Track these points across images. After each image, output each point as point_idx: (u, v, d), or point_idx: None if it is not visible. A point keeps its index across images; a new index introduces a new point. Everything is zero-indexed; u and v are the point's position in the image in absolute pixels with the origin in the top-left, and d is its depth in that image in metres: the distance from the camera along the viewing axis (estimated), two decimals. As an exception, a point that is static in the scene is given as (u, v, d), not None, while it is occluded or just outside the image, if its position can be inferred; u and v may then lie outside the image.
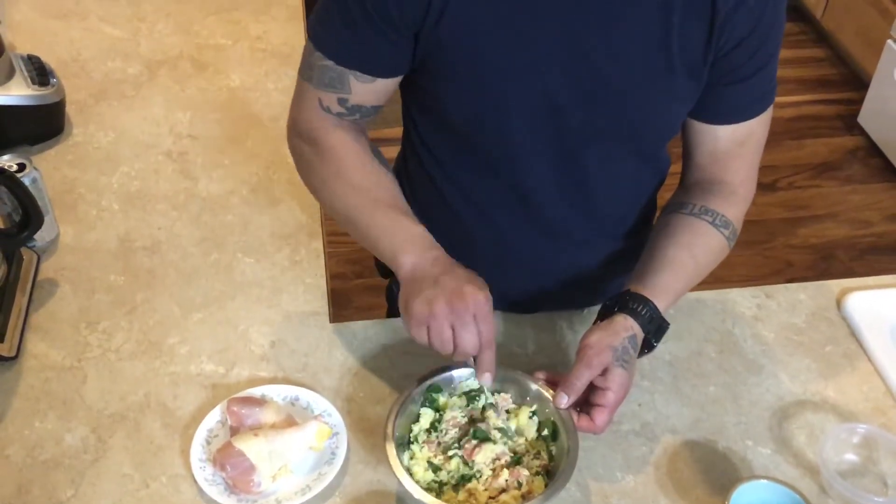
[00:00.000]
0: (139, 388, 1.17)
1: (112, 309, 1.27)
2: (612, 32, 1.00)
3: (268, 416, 1.09)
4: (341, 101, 1.09)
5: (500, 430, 1.04)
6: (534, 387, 1.08)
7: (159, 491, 1.05)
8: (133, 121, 1.64)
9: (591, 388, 1.04)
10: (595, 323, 1.09)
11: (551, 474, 1.02)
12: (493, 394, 1.09)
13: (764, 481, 0.99)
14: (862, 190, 3.20)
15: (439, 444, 1.05)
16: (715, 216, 1.14)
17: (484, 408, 1.07)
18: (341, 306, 2.38)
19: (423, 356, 1.01)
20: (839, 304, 1.32)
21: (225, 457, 1.03)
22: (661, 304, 1.07)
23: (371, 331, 1.25)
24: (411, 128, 1.21)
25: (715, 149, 1.15)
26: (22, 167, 1.31)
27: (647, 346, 1.10)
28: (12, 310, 1.22)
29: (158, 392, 1.16)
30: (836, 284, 1.35)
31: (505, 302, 1.30)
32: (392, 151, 1.34)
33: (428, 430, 1.06)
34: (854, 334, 1.27)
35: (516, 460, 1.03)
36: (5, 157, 1.33)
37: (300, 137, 1.13)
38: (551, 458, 1.04)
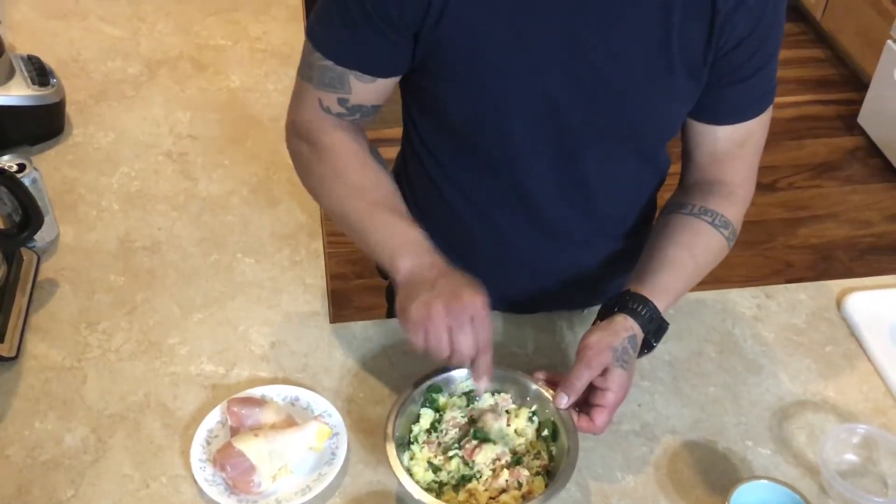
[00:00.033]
0: (139, 388, 1.17)
1: (112, 309, 1.27)
2: (612, 32, 1.00)
3: (268, 416, 1.09)
4: (341, 102, 1.09)
5: (497, 432, 1.04)
6: (534, 387, 1.08)
7: (159, 491, 1.05)
8: (133, 121, 1.65)
9: (591, 389, 1.04)
10: (595, 323, 1.09)
11: (551, 474, 1.02)
12: (492, 394, 1.10)
13: (764, 481, 0.99)
14: (862, 190, 3.20)
15: (439, 444, 1.05)
16: (714, 216, 1.14)
17: (479, 411, 1.07)
18: (341, 307, 2.38)
19: (423, 357, 1.01)
20: (839, 304, 1.32)
21: (225, 457, 1.03)
22: (660, 305, 1.07)
23: (371, 331, 1.25)
24: (411, 128, 1.21)
25: (714, 149, 1.15)
26: (22, 167, 1.32)
27: (647, 347, 1.10)
28: (12, 310, 1.22)
29: (158, 392, 1.16)
30: (835, 285, 1.35)
31: (505, 302, 1.30)
32: (392, 152, 1.34)
33: (428, 431, 1.06)
34: (854, 334, 1.27)
35: (516, 460, 1.03)
36: (5, 158, 1.33)
37: (299, 137, 1.13)
38: (551, 459, 1.04)
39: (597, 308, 1.12)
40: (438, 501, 0.96)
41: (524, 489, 1.00)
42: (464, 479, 1.01)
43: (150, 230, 1.41)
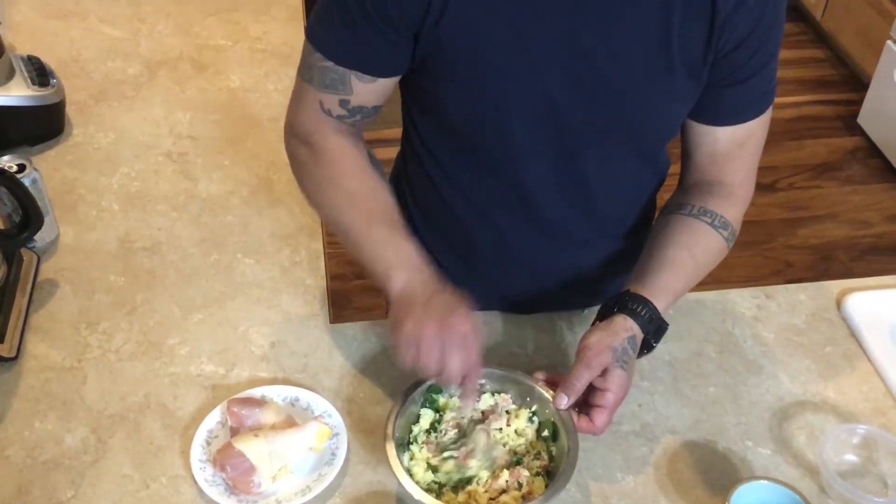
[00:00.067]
0: (139, 388, 1.17)
1: (112, 310, 1.27)
2: (612, 32, 1.00)
3: (268, 416, 1.09)
4: (342, 103, 1.09)
5: (484, 451, 1.03)
6: (534, 387, 1.08)
7: (159, 492, 1.05)
8: (133, 121, 1.65)
9: (591, 389, 1.04)
10: (594, 323, 1.09)
11: (551, 475, 1.02)
12: (492, 394, 1.10)
13: (764, 482, 0.99)
14: (862, 190, 3.20)
15: (437, 444, 1.05)
16: (714, 217, 1.14)
17: (472, 421, 1.06)
18: (341, 307, 2.38)
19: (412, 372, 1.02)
20: (839, 304, 1.32)
21: (225, 457, 1.03)
22: (660, 305, 1.07)
23: (371, 331, 1.25)
24: (411, 128, 1.21)
25: (714, 150, 1.15)
26: (22, 168, 1.32)
27: (647, 347, 1.10)
28: (12, 310, 1.22)
29: (158, 393, 1.16)
30: (835, 285, 1.35)
31: (505, 302, 1.30)
32: (391, 152, 1.34)
33: (427, 431, 1.06)
34: (854, 335, 1.27)
35: (516, 461, 1.03)
36: (5, 158, 1.33)
37: (297, 139, 1.13)
38: (551, 459, 1.04)
39: (596, 308, 1.12)
40: (438, 502, 0.96)
41: (524, 489, 1.00)
42: (462, 482, 1.01)
43: (150, 230, 1.41)
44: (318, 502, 1.04)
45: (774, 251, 2.95)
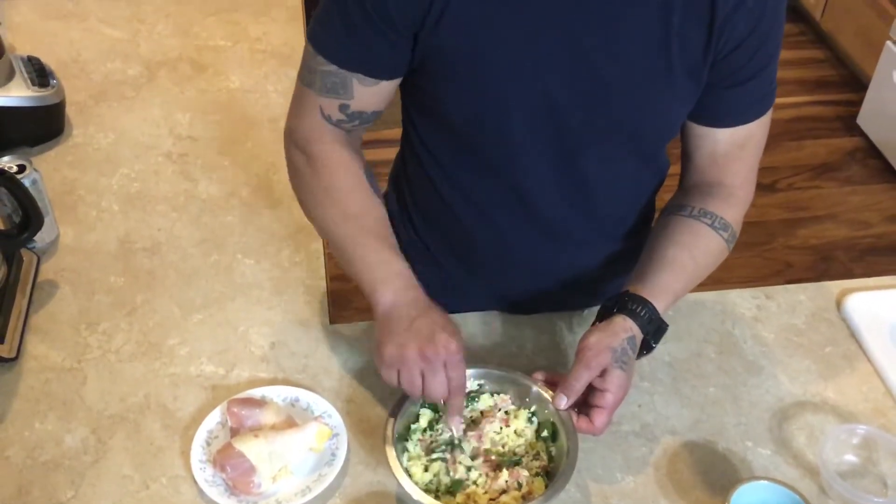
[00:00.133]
0: (139, 389, 1.17)
1: (112, 310, 1.27)
2: (612, 33, 1.00)
3: (268, 417, 1.09)
4: (342, 108, 1.09)
5: (468, 468, 1.03)
6: (533, 388, 1.08)
7: (159, 492, 1.05)
8: (133, 122, 1.65)
9: (590, 390, 1.04)
10: (594, 324, 1.09)
11: (551, 475, 1.02)
12: (492, 394, 1.10)
13: (764, 482, 0.99)
14: (861, 191, 3.20)
15: (430, 444, 1.05)
16: (714, 218, 1.14)
17: (453, 445, 1.05)
18: (341, 307, 2.38)
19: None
20: (839, 305, 1.32)
21: (225, 458, 1.03)
22: (659, 306, 1.07)
23: (370, 332, 1.25)
24: (411, 129, 1.21)
25: (714, 151, 1.15)
26: (22, 168, 1.32)
27: (646, 347, 1.10)
28: (12, 311, 1.22)
29: (158, 393, 1.16)
30: (835, 285, 1.35)
31: (505, 302, 1.30)
32: (391, 152, 1.34)
33: (425, 430, 1.06)
34: (854, 335, 1.27)
35: (516, 461, 1.03)
36: (5, 159, 1.33)
37: (295, 145, 1.13)
38: (551, 459, 1.04)
39: (596, 309, 1.12)
40: (437, 502, 0.96)
41: (524, 490, 1.00)
42: (456, 484, 1.01)
43: (150, 231, 1.41)
44: (318, 503, 1.04)
45: (774, 252, 2.95)
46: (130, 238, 1.40)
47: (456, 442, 1.05)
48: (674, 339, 1.24)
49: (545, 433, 1.06)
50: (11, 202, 1.26)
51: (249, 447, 1.03)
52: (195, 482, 1.04)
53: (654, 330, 1.08)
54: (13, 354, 1.18)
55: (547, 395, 1.06)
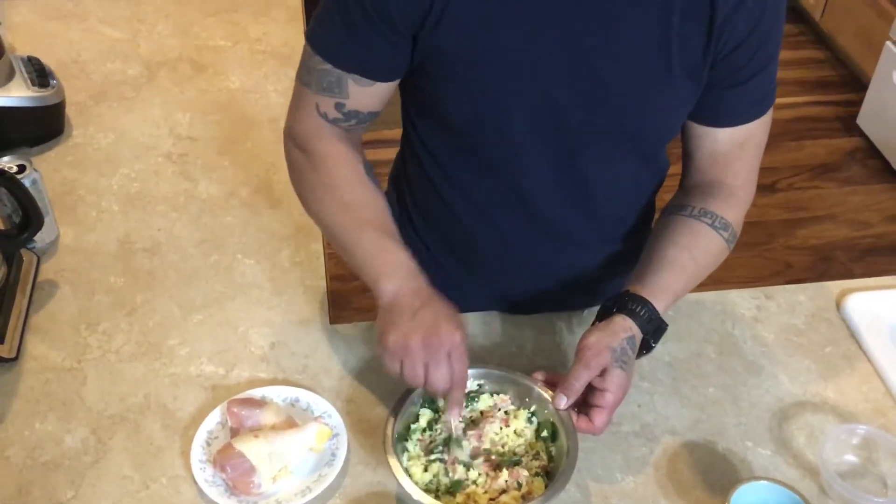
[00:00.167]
0: (139, 389, 1.17)
1: (112, 310, 1.27)
2: (612, 32, 1.00)
3: (268, 417, 1.09)
4: (338, 107, 1.09)
5: (465, 464, 1.03)
6: (533, 388, 1.08)
7: (159, 492, 1.05)
8: (133, 122, 1.65)
9: (590, 389, 1.04)
10: (594, 323, 1.09)
11: (551, 475, 1.02)
12: (491, 395, 1.10)
13: (764, 482, 0.99)
14: (861, 191, 3.20)
15: (429, 444, 1.05)
16: (714, 218, 1.14)
17: (450, 438, 1.05)
18: (341, 308, 2.38)
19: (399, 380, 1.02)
20: (839, 305, 1.32)
21: (225, 458, 1.03)
22: (659, 305, 1.07)
23: (370, 332, 1.25)
24: (410, 129, 1.21)
25: (714, 151, 1.15)
26: (22, 168, 1.32)
27: (646, 347, 1.10)
28: (12, 311, 1.22)
29: (158, 393, 1.16)
30: (835, 286, 1.35)
31: (504, 302, 1.30)
32: (391, 153, 1.34)
33: (424, 430, 1.06)
34: (853, 335, 1.27)
35: (516, 461, 1.03)
36: (5, 159, 1.33)
37: (294, 144, 1.13)
38: (551, 459, 1.04)
39: (596, 309, 1.12)
40: (437, 502, 0.96)
41: (524, 490, 1.00)
42: (455, 484, 1.01)
43: (150, 231, 1.41)
44: (318, 503, 1.04)
45: (774, 252, 2.95)
46: (130, 238, 1.40)
47: (455, 435, 1.04)
48: (674, 339, 1.24)
49: (545, 433, 1.06)
50: (11, 202, 1.26)
51: (249, 447, 1.03)
52: (195, 482, 1.04)
53: (653, 330, 1.08)
54: (13, 354, 1.18)
55: (546, 394, 1.06)
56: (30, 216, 1.26)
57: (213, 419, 1.11)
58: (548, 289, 1.29)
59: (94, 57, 1.82)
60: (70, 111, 1.64)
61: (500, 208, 1.19)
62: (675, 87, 1.05)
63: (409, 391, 1.06)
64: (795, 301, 1.33)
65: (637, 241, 1.23)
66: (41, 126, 1.57)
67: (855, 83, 3.68)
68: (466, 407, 1.08)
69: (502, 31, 0.99)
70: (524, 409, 1.08)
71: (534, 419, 1.07)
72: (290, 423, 1.09)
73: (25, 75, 1.56)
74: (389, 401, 1.12)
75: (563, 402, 1.03)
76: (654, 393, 1.18)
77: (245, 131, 1.64)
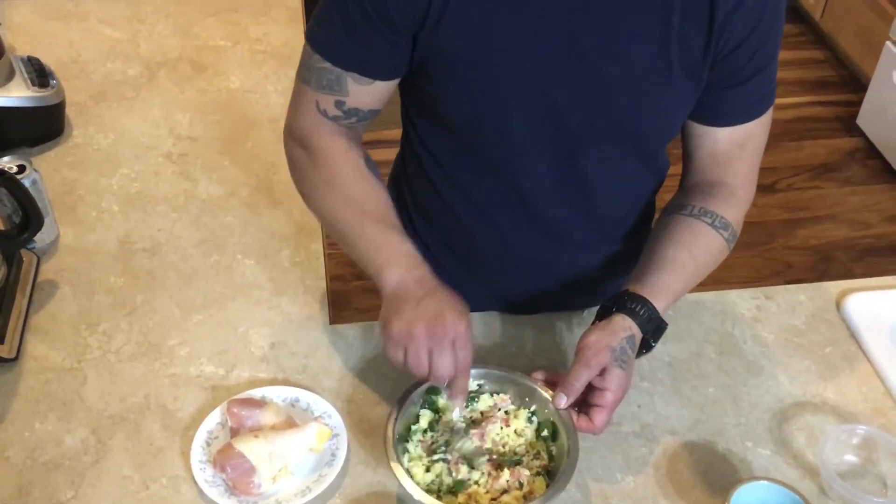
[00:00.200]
0: (139, 389, 1.17)
1: (112, 310, 1.27)
2: (612, 33, 1.00)
3: (268, 417, 1.09)
4: (338, 104, 1.09)
5: (470, 453, 1.03)
6: (532, 387, 1.08)
7: (159, 492, 1.05)
8: (133, 122, 1.65)
9: (590, 389, 1.04)
10: (593, 323, 1.09)
11: (552, 474, 1.02)
12: (491, 394, 1.10)
13: (764, 482, 0.99)
14: (861, 191, 3.20)
15: (431, 445, 1.05)
16: (714, 217, 1.14)
17: (453, 430, 1.06)
18: (341, 308, 2.38)
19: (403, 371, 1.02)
20: (839, 305, 1.32)
21: (225, 458, 1.03)
22: (659, 305, 1.07)
23: (370, 332, 1.25)
24: (410, 129, 1.21)
25: (714, 151, 1.15)
26: (22, 169, 1.32)
27: (646, 347, 1.10)
28: (12, 311, 1.22)
29: (158, 393, 1.16)
30: (835, 286, 1.35)
31: (504, 302, 1.30)
32: (391, 153, 1.34)
33: (425, 431, 1.06)
34: (853, 336, 1.27)
35: (517, 461, 1.03)
36: (5, 159, 1.33)
37: (295, 141, 1.13)
38: (551, 459, 1.04)
39: (596, 309, 1.12)
40: (438, 503, 0.96)
41: (525, 489, 1.00)
42: (458, 484, 1.01)
43: (149, 231, 1.41)
44: (318, 503, 1.04)
45: (774, 252, 2.95)
46: (130, 238, 1.40)
47: (458, 425, 1.04)
48: (674, 340, 1.24)
49: (545, 432, 1.06)
50: (11, 202, 1.26)
51: (249, 447, 1.03)
52: (195, 482, 1.04)
53: (653, 329, 1.08)
54: (13, 355, 1.18)
55: (546, 394, 1.06)
56: (30, 216, 1.26)
57: (213, 419, 1.11)
58: (548, 289, 1.29)
59: (94, 57, 1.82)
60: (70, 111, 1.64)
61: (500, 208, 1.19)
62: (675, 87, 1.05)
63: (409, 392, 1.06)
64: (795, 301, 1.33)
65: (637, 241, 1.23)
66: (41, 126, 1.57)
67: (855, 83, 3.68)
68: (466, 407, 1.08)
69: (502, 31, 0.99)
70: (524, 408, 1.08)
71: (534, 419, 1.07)
72: (290, 424, 1.09)
73: (25, 75, 1.56)
74: (389, 401, 1.12)
75: (563, 402, 1.03)
76: (654, 393, 1.18)
77: (245, 131, 1.64)
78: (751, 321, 1.29)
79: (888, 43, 3.17)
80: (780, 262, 2.92)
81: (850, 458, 1.10)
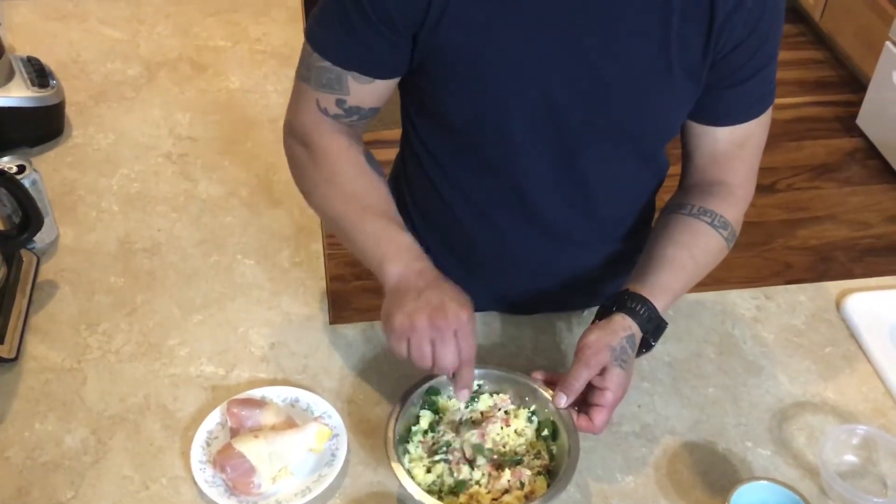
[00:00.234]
0: (139, 389, 1.17)
1: (112, 310, 1.27)
2: (612, 33, 1.00)
3: (268, 417, 1.09)
4: (339, 103, 1.09)
5: (477, 447, 1.03)
6: (533, 387, 1.08)
7: (159, 493, 1.05)
8: (133, 122, 1.65)
9: (590, 388, 1.04)
10: (593, 323, 1.09)
11: (552, 474, 1.02)
12: (491, 394, 1.10)
13: (764, 482, 0.99)
14: (861, 191, 3.20)
15: (432, 445, 1.05)
16: (714, 217, 1.14)
17: (461, 423, 1.06)
18: (341, 308, 2.38)
19: (407, 364, 1.02)
20: (838, 305, 1.32)
21: (225, 458, 1.03)
22: (659, 304, 1.08)
23: (370, 332, 1.25)
24: (410, 129, 1.21)
25: (714, 150, 1.15)
26: (22, 169, 1.32)
27: (646, 346, 1.10)
28: (12, 311, 1.22)
29: (158, 394, 1.16)
30: (835, 286, 1.35)
31: (504, 303, 1.30)
32: (391, 153, 1.34)
33: (425, 432, 1.06)
34: (853, 336, 1.27)
35: (517, 461, 1.03)
36: (5, 159, 1.33)
37: (295, 139, 1.13)
38: (552, 458, 1.04)
39: (596, 309, 1.12)
40: (439, 503, 0.96)
41: (526, 489, 1.00)
42: (459, 485, 1.01)
43: (149, 231, 1.41)
44: (318, 503, 1.04)
45: (774, 252, 2.95)
46: (130, 238, 1.40)
47: (465, 417, 1.04)
48: (674, 340, 1.24)
49: (545, 432, 1.06)
50: (11, 202, 1.26)
51: (249, 448, 1.03)
52: (195, 483, 1.04)
53: (653, 328, 1.08)
54: (13, 355, 1.18)
55: (546, 394, 1.06)
56: (30, 216, 1.26)
57: (213, 419, 1.11)
58: (548, 289, 1.29)
59: (93, 57, 1.82)
60: (70, 111, 1.64)
61: (500, 208, 1.19)
62: (674, 87, 1.05)
63: (409, 392, 1.06)
64: (795, 301, 1.33)
65: (637, 241, 1.23)
66: (41, 126, 1.57)
67: (855, 83, 3.68)
68: (466, 408, 1.08)
69: (502, 31, 1.00)
70: (524, 408, 1.08)
71: (534, 418, 1.07)
72: (289, 424, 1.09)
73: (25, 75, 1.56)
74: (390, 401, 1.12)
75: (563, 401, 1.03)
76: (653, 393, 1.18)
77: (245, 131, 1.64)
78: (751, 321, 1.29)
79: (888, 43, 3.17)
80: (780, 262, 2.92)
81: (850, 458, 1.10)
